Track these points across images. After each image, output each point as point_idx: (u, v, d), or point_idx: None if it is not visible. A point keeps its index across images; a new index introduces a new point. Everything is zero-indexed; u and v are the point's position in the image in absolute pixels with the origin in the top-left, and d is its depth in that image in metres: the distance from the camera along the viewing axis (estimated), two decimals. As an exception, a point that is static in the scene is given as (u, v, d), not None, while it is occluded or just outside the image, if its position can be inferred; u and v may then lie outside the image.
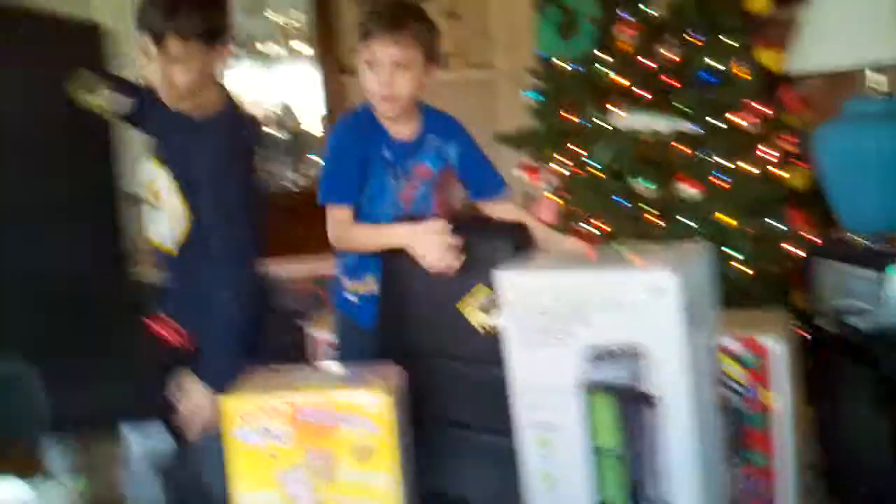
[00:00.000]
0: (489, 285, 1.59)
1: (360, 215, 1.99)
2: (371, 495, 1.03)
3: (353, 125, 2.07)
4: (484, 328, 1.60)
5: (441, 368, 1.56)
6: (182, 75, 1.87)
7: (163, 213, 1.97)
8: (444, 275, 1.64)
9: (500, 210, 2.09)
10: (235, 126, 2.01)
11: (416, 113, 2.05)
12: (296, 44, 5.60)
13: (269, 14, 5.67)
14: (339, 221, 1.95)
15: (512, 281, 1.22)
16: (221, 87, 2.02)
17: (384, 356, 1.60)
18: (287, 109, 5.68)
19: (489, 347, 1.58)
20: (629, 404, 1.17)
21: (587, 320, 1.17)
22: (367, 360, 1.41)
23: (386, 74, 1.95)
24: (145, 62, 1.89)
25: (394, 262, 1.76)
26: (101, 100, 1.83)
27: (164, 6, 1.85)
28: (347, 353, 2.08)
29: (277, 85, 5.71)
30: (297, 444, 1.02)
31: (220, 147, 1.94)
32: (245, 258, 1.94)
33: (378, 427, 1.03)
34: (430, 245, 1.67)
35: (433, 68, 2.01)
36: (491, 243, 1.64)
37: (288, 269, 3.07)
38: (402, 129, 2.03)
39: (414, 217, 1.88)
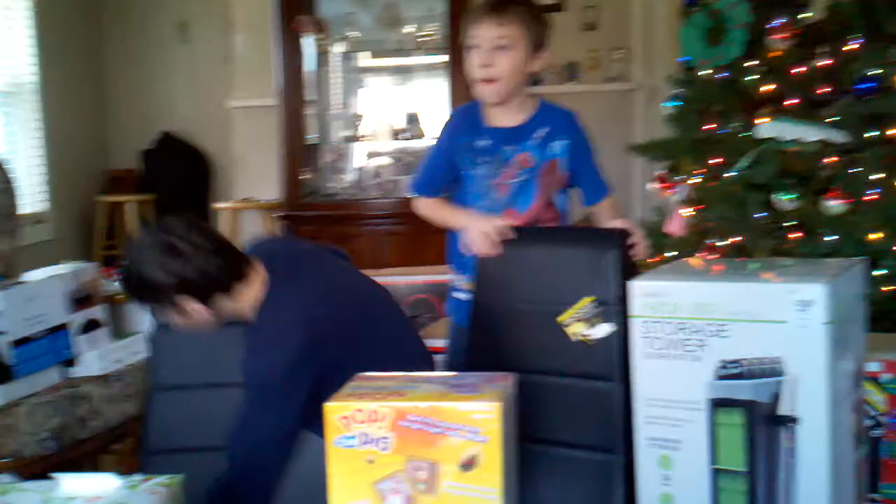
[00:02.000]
0: (591, 296, 1.54)
1: (457, 202, 2.05)
2: None
3: (452, 119, 2.12)
4: (584, 340, 1.54)
5: (536, 381, 1.51)
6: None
7: None
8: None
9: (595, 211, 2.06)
10: None
11: (527, 102, 2.04)
12: (431, 58, 5.70)
13: (407, 27, 5.78)
14: (420, 208, 2.08)
15: (645, 289, 1.17)
16: None
17: (477, 366, 1.60)
18: (413, 119, 5.76)
19: (589, 361, 1.55)
20: (761, 424, 1.10)
21: (724, 333, 1.11)
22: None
23: (486, 55, 1.96)
24: None
25: (488, 269, 1.74)
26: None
27: None
28: (452, 355, 2.08)
29: (411, 97, 5.82)
30: (397, 451, 0.98)
31: None
32: None
33: (486, 437, 0.97)
34: (478, 234, 1.76)
35: (539, 57, 2.00)
36: (593, 253, 1.62)
37: (404, 279, 3.10)
38: (507, 117, 2.02)
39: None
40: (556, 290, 1.62)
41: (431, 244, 2.41)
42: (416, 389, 1.04)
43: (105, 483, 0.99)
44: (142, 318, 2.49)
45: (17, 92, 5.49)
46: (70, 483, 1.01)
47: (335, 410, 1.00)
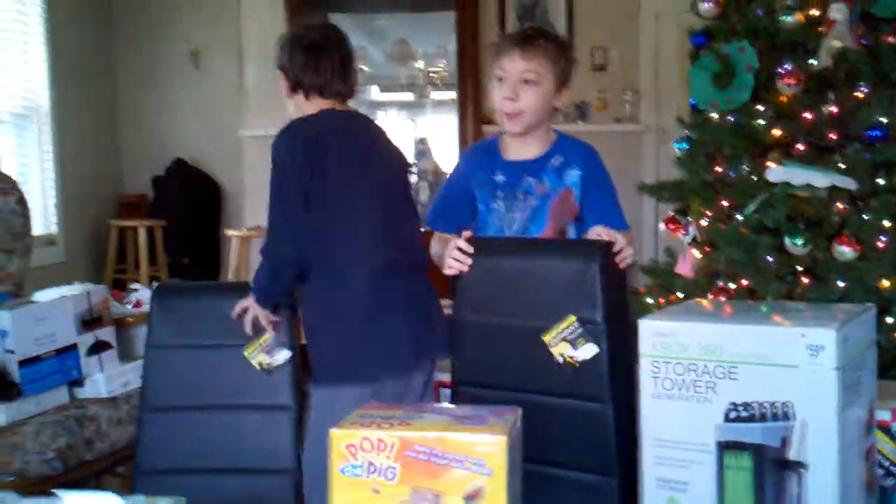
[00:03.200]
0: (574, 316, 1.51)
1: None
2: None
3: (469, 153, 2.17)
4: (566, 360, 1.52)
5: (521, 399, 1.47)
6: None
7: None
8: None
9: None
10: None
11: (546, 135, 2.04)
12: (441, 94, 5.76)
13: (418, 64, 5.84)
14: (432, 242, 2.06)
15: (655, 329, 1.16)
16: None
17: (461, 384, 1.59)
18: (425, 153, 5.81)
19: (576, 380, 1.51)
20: (769, 469, 1.09)
21: (734, 375, 1.11)
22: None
23: (511, 88, 1.95)
24: None
25: (466, 286, 1.68)
26: (278, 358, 1.97)
27: None
28: None
29: (421, 130, 5.88)
30: (403, 481, 0.97)
31: None
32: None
33: (491, 470, 0.97)
34: (450, 255, 1.68)
35: (563, 93, 2.01)
36: (575, 266, 1.55)
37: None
38: (525, 150, 2.03)
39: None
40: (537, 305, 1.55)
41: (441, 278, 2.40)
42: (423, 420, 1.03)
43: (108, 502, 0.98)
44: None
45: (30, 115, 5.51)
46: (72, 501, 1.00)
47: (342, 438, 0.99)
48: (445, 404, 1.39)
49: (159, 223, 6.05)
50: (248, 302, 1.99)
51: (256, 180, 5.80)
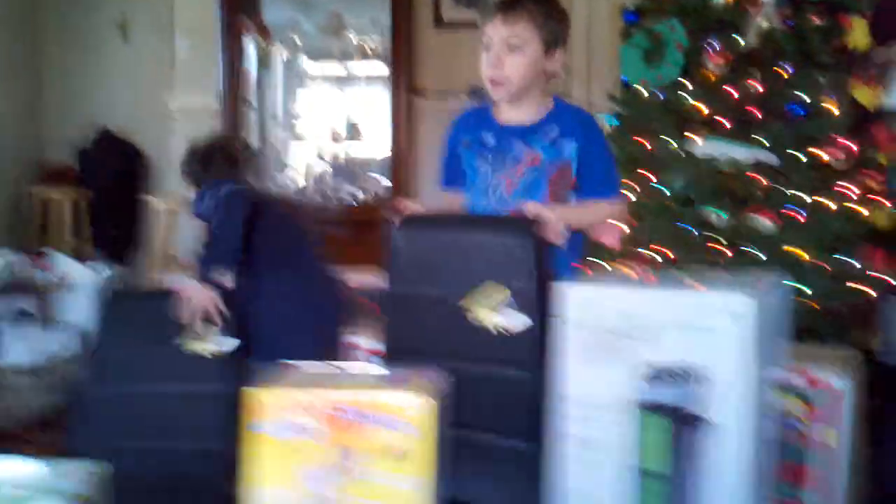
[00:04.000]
0: (505, 288, 1.55)
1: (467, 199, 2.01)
2: (399, 500, 0.97)
3: (460, 117, 2.08)
4: (499, 330, 1.55)
5: (450, 367, 1.51)
6: None
7: None
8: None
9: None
10: None
11: (541, 101, 1.97)
12: (373, 64, 5.73)
13: (350, 35, 5.80)
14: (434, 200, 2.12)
15: (579, 296, 1.19)
16: None
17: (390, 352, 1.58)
18: (355, 128, 5.80)
19: (505, 349, 1.55)
20: (683, 428, 1.12)
21: (653, 340, 1.14)
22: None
23: (495, 55, 1.90)
24: None
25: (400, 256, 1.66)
26: (212, 345, 1.94)
27: None
28: None
29: (352, 104, 5.85)
30: (327, 441, 0.97)
31: None
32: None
33: (417, 430, 0.97)
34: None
35: (555, 56, 1.94)
36: (506, 241, 1.56)
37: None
38: (517, 115, 1.97)
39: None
40: (470, 278, 1.54)
41: (371, 247, 2.42)
42: (350, 380, 1.03)
43: (31, 467, 0.97)
44: (74, 311, 2.47)
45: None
46: None
47: (262, 396, 0.98)
48: (371, 365, 1.39)
49: (84, 193, 5.95)
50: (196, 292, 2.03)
51: (184, 152, 5.72)
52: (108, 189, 6.06)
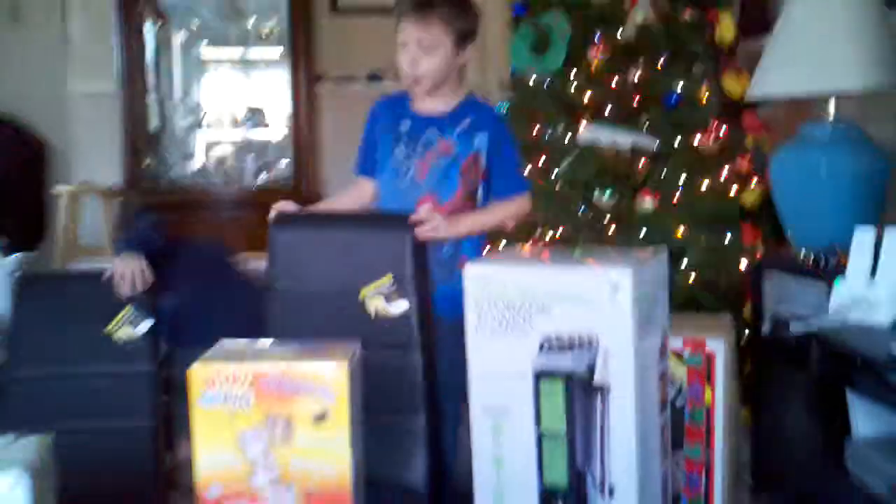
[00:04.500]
0: (389, 275, 1.64)
1: (379, 183, 2.08)
2: (324, 457, 1.07)
3: (378, 103, 2.14)
4: (383, 315, 1.64)
5: None
6: None
7: None
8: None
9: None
10: None
11: (455, 92, 2.04)
12: (272, 49, 5.65)
13: (249, 20, 5.71)
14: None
15: (480, 274, 1.24)
16: None
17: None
18: (257, 113, 5.72)
19: (389, 333, 1.64)
20: (578, 392, 1.19)
21: (547, 312, 1.19)
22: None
23: (410, 56, 1.96)
24: None
25: (281, 254, 1.78)
26: (143, 329, 1.94)
27: None
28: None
29: (252, 88, 5.76)
30: (257, 408, 1.06)
31: None
32: None
33: (334, 394, 1.06)
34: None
35: (467, 49, 2.00)
36: (390, 237, 1.71)
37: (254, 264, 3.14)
38: (433, 105, 2.04)
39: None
40: (352, 272, 1.68)
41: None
42: (273, 353, 1.11)
43: None
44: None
45: None
46: None
47: (200, 372, 1.05)
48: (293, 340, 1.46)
49: (-19, 181, 5.69)
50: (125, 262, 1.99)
51: (86, 136, 5.55)
52: (6, 177, 5.80)
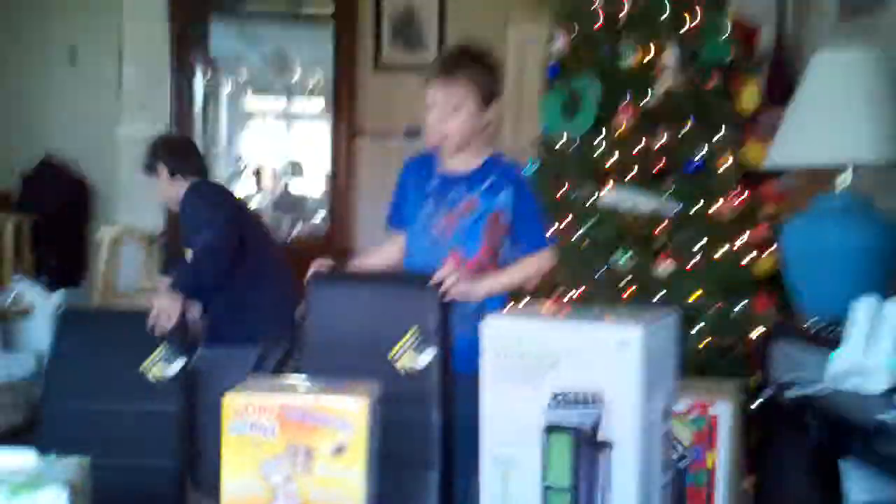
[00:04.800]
0: (417, 330, 1.69)
1: (407, 238, 2.13)
2: (342, 488, 1.11)
3: (411, 161, 2.19)
4: (410, 371, 1.68)
5: None
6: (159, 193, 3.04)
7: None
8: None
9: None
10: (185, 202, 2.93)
11: (479, 150, 2.08)
12: (315, 102, 5.78)
13: (295, 73, 5.85)
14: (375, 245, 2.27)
15: (497, 327, 1.26)
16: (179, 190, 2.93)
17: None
18: (296, 166, 5.83)
19: (410, 387, 1.68)
20: (582, 446, 1.19)
21: (556, 367, 1.20)
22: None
23: (435, 117, 2.01)
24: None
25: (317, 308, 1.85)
26: (177, 368, 2.00)
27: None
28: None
29: (293, 140, 5.89)
30: (281, 438, 1.10)
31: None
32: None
33: (353, 428, 1.11)
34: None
35: (491, 107, 2.04)
36: (417, 296, 1.78)
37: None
38: (459, 163, 2.08)
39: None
40: (380, 327, 1.75)
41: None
42: (301, 387, 1.17)
43: (24, 459, 1.05)
44: (32, 335, 2.49)
45: None
46: None
47: (231, 402, 1.12)
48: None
49: (27, 218, 5.81)
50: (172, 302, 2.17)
51: (131, 179, 5.67)
52: (50, 216, 5.92)
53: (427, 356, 1.70)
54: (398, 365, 1.69)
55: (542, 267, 2.13)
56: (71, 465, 1.05)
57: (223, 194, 3.08)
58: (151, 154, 3.00)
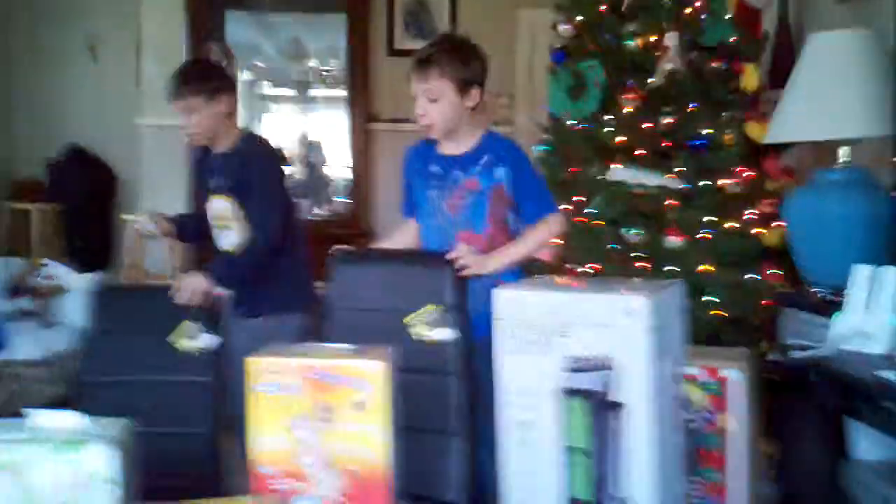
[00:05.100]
0: (434, 304, 1.74)
1: (419, 223, 2.19)
2: (364, 442, 1.17)
3: (410, 149, 2.26)
4: (421, 339, 1.73)
5: None
6: (195, 122, 2.41)
7: (230, 230, 2.49)
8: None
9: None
10: (253, 155, 2.47)
11: (472, 132, 2.14)
12: (332, 90, 5.81)
13: (310, 62, 5.87)
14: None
15: (508, 298, 1.29)
16: (235, 128, 2.53)
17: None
18: (315, 146, 5.86)
19: (431, 358, 1.73)
20: (599, 410, 1.23)
21: (570, 335, 1.24)
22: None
23: (420, 106, 2.08)
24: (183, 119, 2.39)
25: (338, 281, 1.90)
26: (199, 343, 2.03)
27: (178, 77, 2.43)
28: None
29: (312, 126, 5.92)
30: (306, 396, 1.16)
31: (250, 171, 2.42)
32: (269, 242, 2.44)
33: (373, 387, 1.16)
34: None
35: (472, 93, 2.09)
36: (433, 272, 1.84)
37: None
38: (455, 147, 2.15)
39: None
40: (399, 303, 1.80)
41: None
42: (322, 350, 1.24)
43: (73, 418, 1.10)
44: (70, 312, 2.55)
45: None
46: (40, 419, 1.10)
47: (257, 363, 1.18)
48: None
49: (55, 207, 5.90)
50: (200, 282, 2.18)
51: (153, 168, 5.73)
52: (77, 204, 6.00)
53: (443, 331, 1.75)
54: (412, 332, 1.75)
55: (552, 231, 2.18)
56: (117, 425, 1.10)
57: (282, 160, 2.94)
58: (181, 82, 2.52)
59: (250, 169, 2.43)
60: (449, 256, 1.89)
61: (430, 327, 1.74)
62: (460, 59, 2.10)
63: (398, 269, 1.90)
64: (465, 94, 2.08)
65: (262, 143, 2.58)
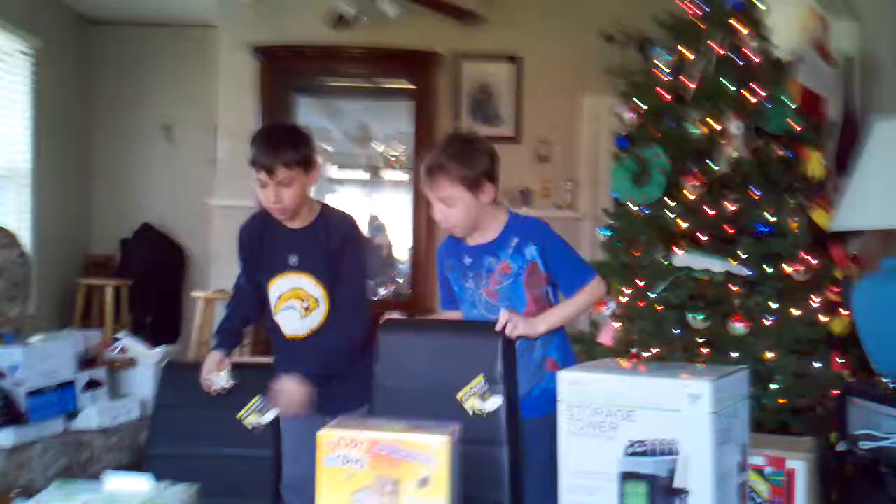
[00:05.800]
0: (483, 375, 1.76)
1: (462, 314, 2.22)
2: None
3: (442, 245, 2.30)
4: (475, 412, 1.74)
5: None
6: (290, 195, 2.18)
7: (309, 312, 2.28)
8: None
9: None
10: (331, 229, 2.28)
11: (496, 220, 2.17)
12: (397, 173, 5.94)
13: (375, 145, 6.02)
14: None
15: (572, 379, 1.31)
16: (314, 201, 2.32)
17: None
18: (380, 229, 5.96)
19: (481, 428, 1.73)
20: (660, 494, 1.22)
21: (632, 418, 1.24)
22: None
23: (438, 212, 2.13)
24: (260, 192, 2.20)
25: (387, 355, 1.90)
26: (267, 418, 2.10)
27: (269, 146, 2.17)
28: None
29: (377, 208, 6.04)
30: (370, 470, 1.19)
31: (329, 248, 2.25)
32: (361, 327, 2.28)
33: (436, 462, 1.18)
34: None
35: (486, 189, 2.11)
36: (482, 342, 1.85)
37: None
38: (482, 236, 2.18)
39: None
40: (448, 373, 1.81)
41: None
42: (389, 425, 1.25)
43: (143, 483, 1.15)
44: (138, 384, 2.64)
45: (11, 176, 5.57)
46: (114, 482, 1.16)
47: (327, 437, 1.21)
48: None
49: (125, 282, 6.06)
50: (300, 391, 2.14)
51: (223, 247, 5.89)
52: (147, 279, 6.16)
53: (495, 400, 1.77)
54: (466, 405, 1.76)
55: (594, 295, 2.17)
56: (183, 491, 1.14)
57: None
58: (301, 145, 2.23)
59: (343, 247, 2.23)
60: (498, 326, 1.91)
61: (483, 399, 1.77)
62: (466, 160, 2.11)
63: (446, 339, 1.91)
64: (479, 191, 2.11)
65: (347, 218, 2.33)
